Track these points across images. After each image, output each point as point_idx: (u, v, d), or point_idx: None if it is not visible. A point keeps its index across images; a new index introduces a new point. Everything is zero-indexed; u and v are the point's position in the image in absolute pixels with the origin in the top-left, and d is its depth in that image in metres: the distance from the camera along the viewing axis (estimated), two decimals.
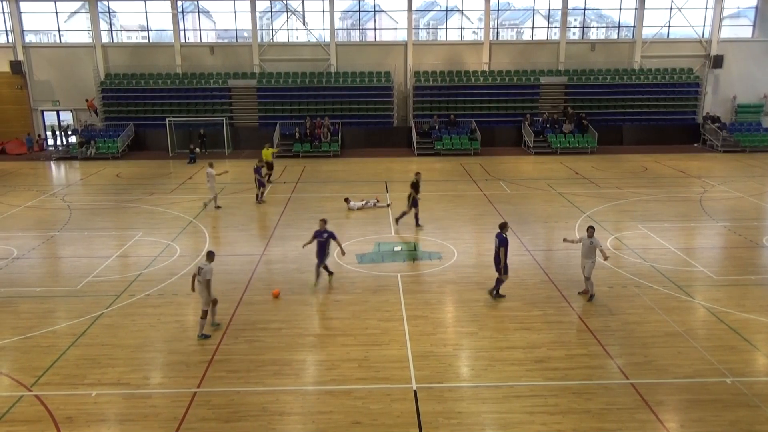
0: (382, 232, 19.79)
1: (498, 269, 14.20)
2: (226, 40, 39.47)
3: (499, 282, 14.35)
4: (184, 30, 38.53)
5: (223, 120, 35.17)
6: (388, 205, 22.86)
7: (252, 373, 11.32)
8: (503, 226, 14.21)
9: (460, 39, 39.24)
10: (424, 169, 30.64)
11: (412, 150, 35.23)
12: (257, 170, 23.34)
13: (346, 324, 13.21)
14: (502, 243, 14.01)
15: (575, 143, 34.81)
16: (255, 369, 11.47)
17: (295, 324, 13.25)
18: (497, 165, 31.14)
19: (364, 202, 22.64)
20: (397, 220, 20.21)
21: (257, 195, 23.47)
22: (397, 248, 18.00)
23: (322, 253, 14.84)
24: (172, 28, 37.56)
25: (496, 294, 14.39)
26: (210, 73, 37.82)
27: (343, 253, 15.10)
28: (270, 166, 26.11)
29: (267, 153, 26.31)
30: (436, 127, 35.78)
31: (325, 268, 15.09)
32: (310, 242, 15.06)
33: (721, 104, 38.79)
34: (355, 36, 39.65)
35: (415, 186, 19.90)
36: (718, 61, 37.78)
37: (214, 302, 12.94)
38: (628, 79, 37.73)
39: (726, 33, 38.81)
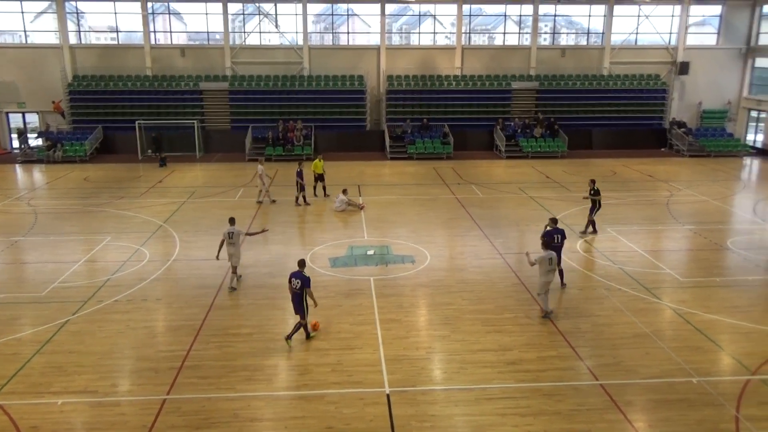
0: (355, 236, 19.77)
1: (559, 261, 14.39)
2: (197, 42, 39.06)
3: (562, 272, 15.20)
4: (155, 31, 38.02)
5: (194, 123, 34.80)
6: (361, 208, 22.87)
7: (223, 379, 11.20)
8: (555, 221, 15.33)
9: (432, 43, 39.46)
10: (397, 173, 30.75)
11: (384, 154, 35.30)
12: (299, 174, 23.28)
13: (319, 328, 13.14)
14: (564, 236, 15.08)
15: (546, 147, 35.26)
16: (226, 375, 11.35)
17: (268, 329, 13.15)
18: (469, 169, 31.37)
19: (347, 201, 22.64)
20: (586, 230, 19.76)
21: (297, 198, 23.58)
22: (370, 252, 18.00)
23: (296, 305, 12.47)
24: (142, 30, 37.06)
25: (563, 284, 15.21)
26: (181, 75, 37.39)
27: (315, 305, 12.68)
28: (321, 178, 24.69)
29: (318, 165, 24.70)
30: (409, 131, 35.91)
31: (304, 327, 12.58)
32: (291, 290, 12.61)
33: (687, 110, 39.67)
34: (328, 39, 39.60)
35: (596, 192, 19.87)
36: (684, 68, 38.64)
37: (234, 269, 15.03)
38: (598, 85, 38.36)
39: (691, 40, 39.74)
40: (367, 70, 38.05)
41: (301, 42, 38.00)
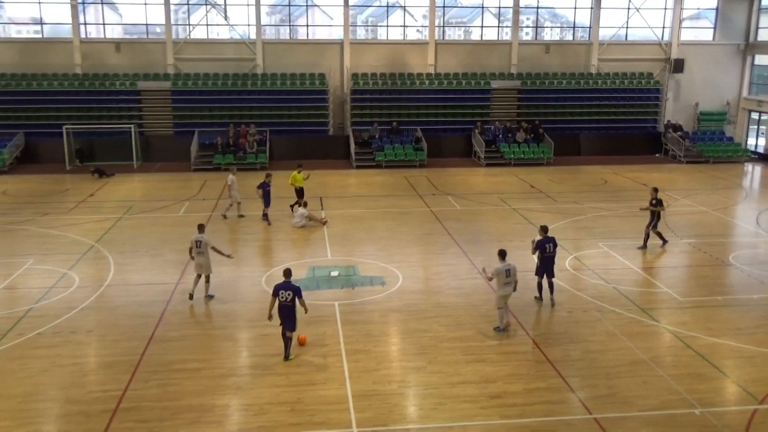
0: (317, 255, 19.68)
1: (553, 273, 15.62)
2: (134, 36, 38.64)
3: (552, 287, 15.69)
4: (85, 24, 37.51)
5: (131, 128, 34.35)
6: (324, 223, 22.82)
7: (166, 422, 10.99)
8: (546, 229, 15.90)
9: (402, 38, 39.77)
10: (364, 183, 30.78)
11: (350, 161, 35.32)
12: (264, 185, 22.93)
13: (275, 362, 13.03)
14: (556, 245, 15.62)
15: (530, 154, 35.73)
16: (170, 417, 11.14)
17: (217, 363, 12.97)
18: (445, 178, 31.58)
19: (307, 216, 22.54)
20: (650, 239, 20.20)
21: (266, 214, 23.23)
22: (334, 273, 17.93)
23: (287, 318, 13.06)
24: (70, 22, 36.54)
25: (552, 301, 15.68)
26: (116, 73, 36.93)
27: (306, 311, 13.35)
28: (300, 193, 24.13)
29: (298, 177, 24.09)
30: (377, 136, 36.04)
31: (288, 341, 13.14)
32: (272, 306, 13.14)
33: (683, 111, 40.66)
34: (284, 33, 39.61)
35: (658, 202, 20.11)
36: (678, 65, 39.64)
37: (207, 278, 15.93)
38: (585, 84, 39.11)
39: (686, 35, 40.84)
40: (329, 68, 38.13)
41: (253, 36, 37.92)
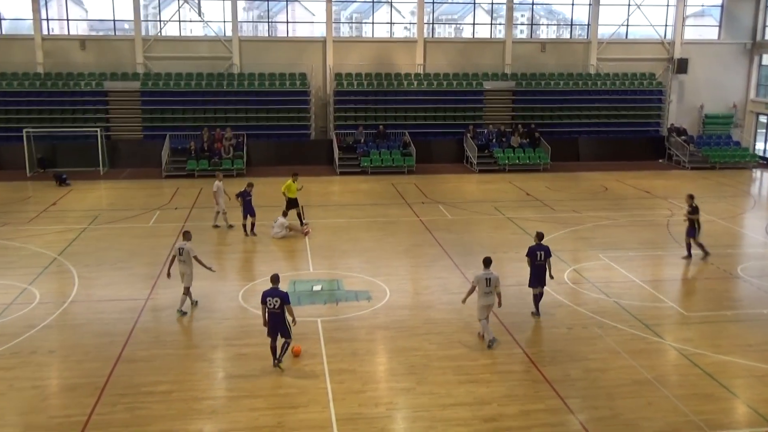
0: (299, 268, 19.63)
1: (544, 282, 15.90)
2: (101, 33, 38.52)
3: (540, 297, 16.02)
4: (48, 19, 37.35)
5: (97, 131, 34.17)
6: (305, 234, 22.77)
7: None
8: (541, 236, 16.19)
9: (389, 36, 39.91)
10: (348, 190, 30.77)
11: (333, 168, 35.31)
12: (243, 194, 22.75)
13: (253, 383, 12.95)
14: (548, 254, 15.84)
15: (525, 159, 35.90)
16: None
17: (190, 385, 12.87)
18: (435, 185, 31.64)
19: (287, 226, 22.46)
20: (695, 249, 20.41)
21: (245, 225, 22.94)
22: (317, 287, 17.88)
23: (278, 327, 13.30)
24: (31, 17, 36.37)
25: (537, 312, 16.00)
26: (80, 73, 36.76)
27: (294, 323, 13.56)
28: (293, 204, 23.63)
29: (293, 187, 23.66)
30: (362, 141, 36.07)
31: (280, 351, 13.40)
32: (265, 313, 13.38)
33: (688, 114, 41.06)
34: (263, 30, 39.62)
35: (694, 210, 20.20)
36: (682, 65, 40.06)
37: (186, 289, 16.01)
38: (584, 85, 39.40)
39: (690, 34, 41.32)
40: (310, 68, 38.17)
41: (229, 33, 37.91)
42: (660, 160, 38.59)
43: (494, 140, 36.86)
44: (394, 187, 31.26)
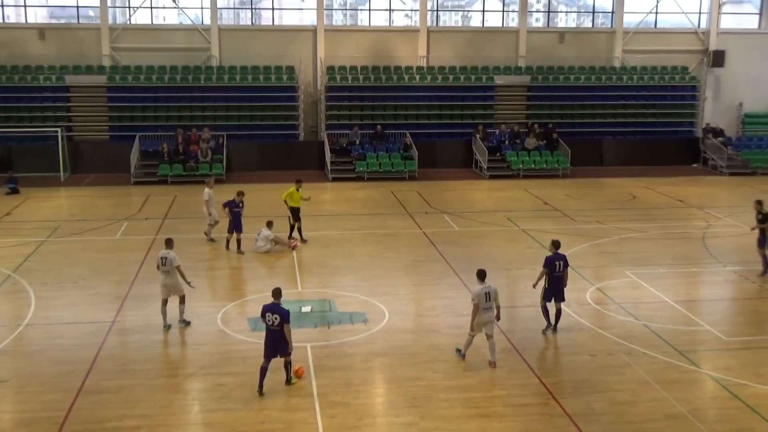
0: (285, 286, 19.48)
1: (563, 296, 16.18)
2: (62, 21, 38.61)
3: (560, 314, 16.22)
4: (2, 6, 37.44)
5: (57, 132, 34.17)
6: (293, 248, 22.75)
7: None
8: (557, 244, 16.31)
9: (388, 24, 40.04)
10: (342, 199, 30.76)
11: (324, 173, 35.33)
12: (231, 204, 22.59)
13: (233, 417, 12.89)
14: (566, 264, 16.15)
15: (542, 164, 35.93)
16: None
17: (162, 420, 12.80)
18: (441, 193, 31.63)
19: (272, 239, 22.43)
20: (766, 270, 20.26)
21: (228, 240, 22.76)
22: (306, 309, 17.84)
23: (276, 345, 13.55)
24: None
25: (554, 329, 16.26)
26: (39, 65, 36.82)
27: (290, 349, 13.71)
28: (295, 215, 23.60)
29: (296, 195, 23.54)
30: (358, 142, 36.10)
31: (286, 367, 13.81)
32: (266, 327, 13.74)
33: (725, 113, 41.15)
34: (245, 18, 39.74)
35: (765, 217, 20.21)
36: (718, 58, 40.18)
37: (181, 298, 16.49)
38: (608, 80, 39.50)
39: (727, 22, 41.46)
40: (299, 60, 38.26)
41: (208, 21, 38.01)
42: (694, 165, 38.65)
43: (507, 142, 36.91)
44: (393, 194, 31.25)
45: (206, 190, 23.82)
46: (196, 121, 36.22)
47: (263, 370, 13.53)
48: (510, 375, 14.44)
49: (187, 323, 16.66)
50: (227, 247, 22.82)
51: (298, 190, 23.65)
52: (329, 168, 34.95)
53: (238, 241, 22.64)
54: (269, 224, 22.92)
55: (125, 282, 19.71)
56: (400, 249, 23.12)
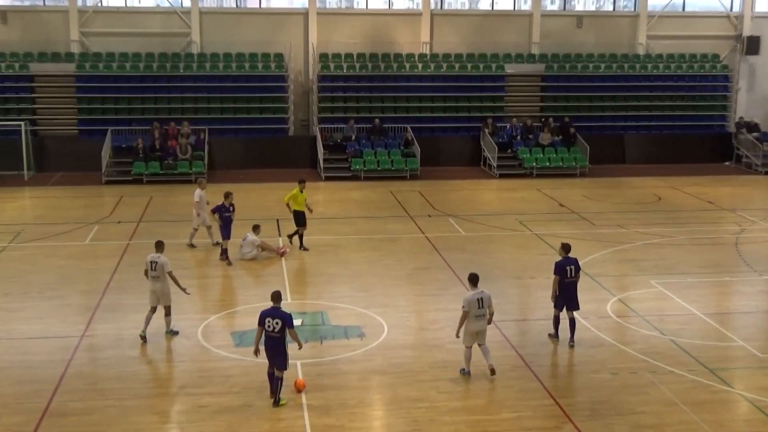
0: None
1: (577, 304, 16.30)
2: (26, 3, 38.60)
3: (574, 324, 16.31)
4: None
5: (20, 126, 34.16)
6: (282, 255, 22.75)
7: None
8: (568, 248, 16.41)
9: (387, 7, 40.04)
10: (336, 200, 30.75)
11: (317, 171, 35.33)
12: (221, 209, 22.37)
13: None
14: (578, 269, 16.25)
15: (558, 161, 35.94)
16: None
17: None
18: (445, 194, 31.64)
19: (259, 245, 22.44)
20: None
21: (221, 246, 22.58)
22: (296, 321, 17.80)
23: (275, 354, 13.75)
24: None
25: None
26: (1, 53, 36.81)
27: (300, 347, 14.16)
28: (300, 220, 23.35)
29: (299, 198, 23.39)
30: (353, 138, 36.12)
31: (278, 385, 13.88)
32: (259, 337, 13.89)
33: (761, 105, 41.16)
34: (229, 0, 39.73)
35: None
36: (753, 45, 40.17)
37: (167, 309, 16.64)
38: (630, 69, 39.52)
39: (762, 6, 41.43)
40: (289, 46, 38.27)
41: (188, 3, 38.01)
42: (726, 163, 38.68)
43: (519, 137, 36.93)
44: (393, 195, 31.27)
45: (197, 191, 23.77)
46: (175, 114, 36.24)
47: (270, 376, 13.82)
48: (521, 395, 14.42)
49: (175, 333, 16.87)
50: (226, 257, 22.48)
51: (302, 191, 23.49)
52: (322, 166, 34.98)
53: (224, 250, 22.52)
54: (255, 228, 22.91)
55: (96, 292, 19.68)
56: (400, 255, 23.13)
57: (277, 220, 26.57)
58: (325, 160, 35.05)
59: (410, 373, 15.32)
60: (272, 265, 22.24)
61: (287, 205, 23.70)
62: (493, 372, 14.80)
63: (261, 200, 29.84)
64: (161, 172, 33.49)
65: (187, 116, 36.04)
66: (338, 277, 21.17)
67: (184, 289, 17.05)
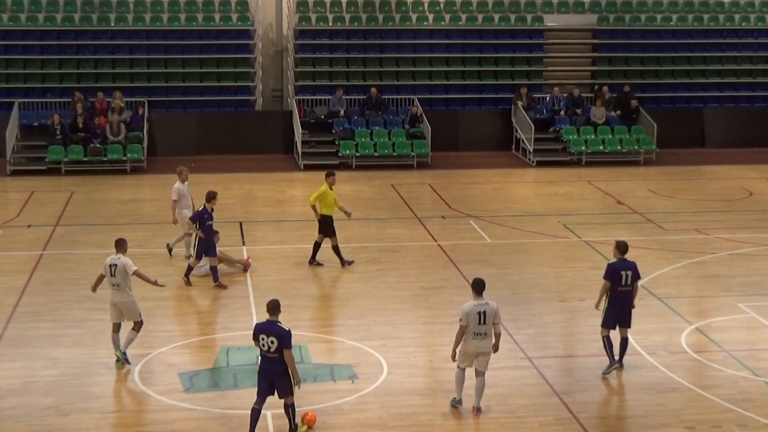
0: (234, 326, 19.54)
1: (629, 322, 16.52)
2: None
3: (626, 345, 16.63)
4: None
5: None
6: (245, 269, 22.73)
7: None
8: (624, 248, 16.59)
9: None
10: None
11: (294, 158, 35.33)
12: (201, 216, 21.99)
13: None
14: (637, 276, 16.34)
15: (615, 145, 35.91)
16: None
17: None
18: (464, 187, 31.70)
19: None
20: None
21: (190, 265, 22.35)
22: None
23: (273, 378, 14.08)
24: None
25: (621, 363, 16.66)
26: None
27: (297, 383, 14.18)
28: (328, 227, 23.03)
29: (328, 197, 23.11)
30: (342, 113, 36.09)
31: (291, 411, 14.25)
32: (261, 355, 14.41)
33: None
34: None
35: None
36: None
37: (136, 324, 17.07)
38: (712, 21, 39.48)
39: None
40: None
41: None
42: None
43: (563, 113, 36.93)
44: (395, 190, 31.30)
45: (176, 185, 23.61)
46: (104, 83, 36.26)
47: (254, 414, 13.81)
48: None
49: (127, 361, 17.08)
50: (217, 280, 22.33)
51: (331, 187, 23.06)
52: (300, 151, 34.90)
53: (190, 268, 22.21)
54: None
55: None
56: (405, 270, 23.15)
57: (240, 224, 26.56)
58: (304, 143, 34.98)
59: (419, 426, 15.29)
60: (235, 282, 22.17)
61: (313, 207, 23.04)
62: (477, 413, 15.02)
63: (221, 195, 29.73)
64: (85, 159, 33.46)
65: (119, 84, 36.07)
66: (322, 299, 21.16)
67: (154, 282, 17.42)
